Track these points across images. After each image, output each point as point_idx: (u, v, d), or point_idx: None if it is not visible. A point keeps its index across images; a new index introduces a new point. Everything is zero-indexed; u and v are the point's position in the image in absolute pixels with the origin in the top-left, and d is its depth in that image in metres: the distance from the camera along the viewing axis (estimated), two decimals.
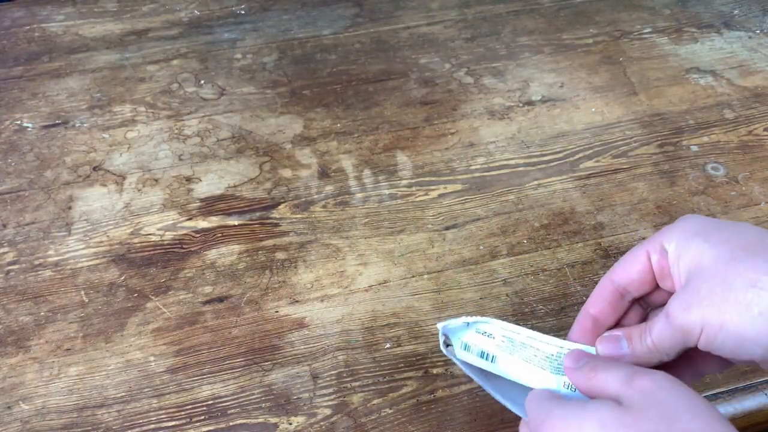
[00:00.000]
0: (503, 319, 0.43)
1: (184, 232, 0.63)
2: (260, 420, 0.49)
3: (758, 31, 0.91)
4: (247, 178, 0.69)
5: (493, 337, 0.42)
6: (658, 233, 0.35)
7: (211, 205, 0.66)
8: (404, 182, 0.68)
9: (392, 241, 0.62)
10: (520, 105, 0.78)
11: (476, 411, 0.50)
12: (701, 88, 0.81)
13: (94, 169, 0.70)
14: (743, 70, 0.84)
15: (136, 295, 0.58)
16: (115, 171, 0.70)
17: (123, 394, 0.51)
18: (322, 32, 0.91)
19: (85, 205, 0.66)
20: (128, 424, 0.49)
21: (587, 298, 0.39)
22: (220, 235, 0.63)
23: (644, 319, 0.39)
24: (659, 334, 0.33)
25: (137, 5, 0.96)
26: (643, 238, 0.62)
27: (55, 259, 0.61)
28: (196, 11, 0.95)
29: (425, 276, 0.59)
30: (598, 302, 0.38)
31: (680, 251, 0.33)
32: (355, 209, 0.65)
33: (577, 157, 0.71)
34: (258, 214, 0.65)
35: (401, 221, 0.64)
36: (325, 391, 0.51)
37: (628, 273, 0.37)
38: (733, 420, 0.50)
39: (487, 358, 0.42)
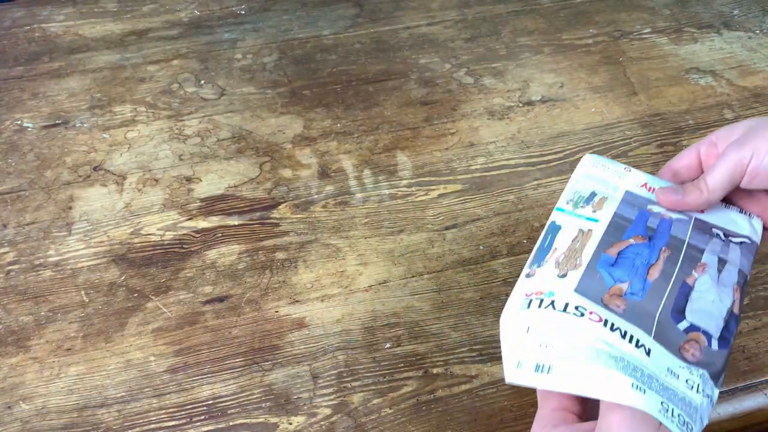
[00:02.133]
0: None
1: (185, 232, 0.63)
2: (260, 420, 0.49)
3: (758, 31, 0.91)
4: (247, 178, 0.69)
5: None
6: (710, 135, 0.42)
7: (211, 205, 0.66)
8: (404, 182, 0.68)
9: (392, 241, 0.62)
10: (520, 105, 0.78)
11: (476, 411, 0.50)
12: (701, 89, 0.81)
13: (95, 169, 0.70)
14: (743, 70, 0.84)
15: (136, 295, 0.58)
16: (116, 171, 0.70)
17: (123, 393, 0.51)
18: (322, 32, 0.91)
19: (86, 205, 0.66)
20: (128, 423, 0.49)
21: None
22: (220, 235, 0.63)
23: None
24: (715, 174, 0.40)
25: (137, 5, 0.96)
26: None
27: (56, 259, 0.61)
28: (196, 11, 0.95)
29: (425, 276, 0.59)
30: (681, 162, 0.44)
31: (730, 132, 0.41)
32: (355, 209, 0.66)
33: (577, 157, 0.71)
34: (258, 214, 0.65)
35: (401, 221, 0.64)
36: (325, 391, 0.51)
37: (679, 161, 0.44)
38: (733, 420, 0.50)
39: (542, 371, 0.33)
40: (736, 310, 0.37)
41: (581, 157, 0.71)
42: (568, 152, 0.72)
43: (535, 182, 0.68)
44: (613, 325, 0.34)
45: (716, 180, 0.40)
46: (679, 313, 0.36)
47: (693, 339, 0.35)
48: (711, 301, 0.37)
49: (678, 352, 0.34)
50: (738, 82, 0.82)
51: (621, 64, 0.85)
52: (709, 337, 0.35)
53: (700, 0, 0.98)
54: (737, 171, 0.39)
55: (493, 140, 0.73)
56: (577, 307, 0.35)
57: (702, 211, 0.42)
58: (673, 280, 0.37)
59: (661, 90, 0.81)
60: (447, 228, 0.63)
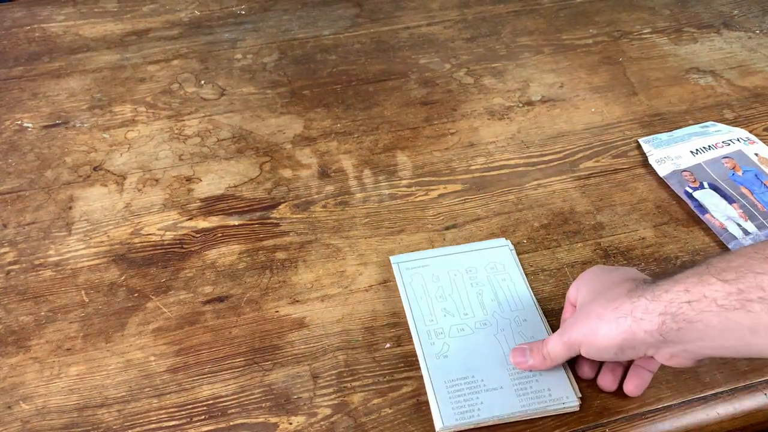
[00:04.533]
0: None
1: (185, 232, 0.63)
2: (260, 420, 0.49)
3: (758, 31, 0.91)
4: (247, 178, 0.69)
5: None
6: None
7: (211, 205, 0.66)
8: (404, 182, 0.68)
9: (392, 241, 0.62)
10: (520, 105, 0.78)
11: None
12: (701, 88, 0.81)
13: (95, 169, 0.70)
14: (743, 70, 0.84)
15: (136, 295, 0.58)
16: (116, 171, 0.70)
17: (123, 393, 0.51)
18: (322, 32, 0.91)
19: (86, 205, 0.66)
20: (128, 423, 0.49)
21: None
22: (220, 235, 0.63)
23: None
24: (553, 346, 0.48)
25: (138, 5, 0.96)
26: (643, 238, 0.62)
27: (56, 259, 0.61)
28: (196, 11, 0.95)
29: None
30: (567, 312, 0.52)
31: (578, 293, 0.49)
32: (355, 209, 0.66)
33: (576, 157, 0.71)
34: (258, 214, 0.65)
35: (401, 221, 0.64)
36: (325, 391, 0.51)
37: (569, 299, 0.52)
38: (733, 420, 0.50)
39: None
40: None
41: (581, 157, 0.71)
42: (568, 152, 0.72)
43: (535, 182, 0.68)
44: None
45: (555, 354, 0.48)
46: None
47: None
48: None
49: None
50: (738, 82, 0.82)
51: (621, 64, 0.85)
52: None
53: (700, 0, 0.98)
54: (573, 349, 0.47)
55: (493, 140, 0.73)
56: None
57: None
58: None
59: (661, 90, 0.81)
60: (447, 228, 0.63)
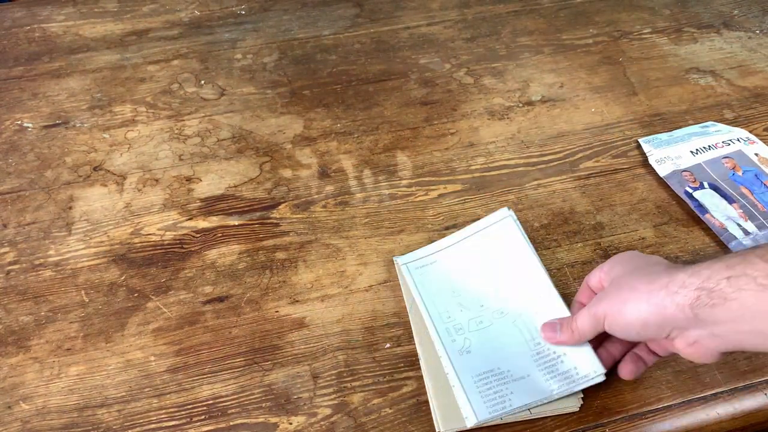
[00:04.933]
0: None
1: (185, 232, 0.63)
2: (260, 420, 0.49)
3: (758, 32, 0.91)
4: (247, 178, 0.69)
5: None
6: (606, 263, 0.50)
7: (211, 205, 0.66)
8: (404, 182, 0.68)
9: (392, 241, 0.62)
10: (520, 105, 0.78)
11: None
12: (701, 88, 0.81)
13: (95, 169, 0.70)
14: (743, 70, 0.84)
15: (136, 295, 0.58)
16: (116, 171, 0.70)
17: (123, 393, 0.51)
18: (322, 32, 0.91)
19: (86, 205, 0.66)
20: (128, 423, 0.49)
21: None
22: (220, 235, 0.63)
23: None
24: (581, 320, 0.47)
25: (138, 5, 0.96)
26: (643, 238, 0.62)
27: (56, 259, 0.61)
28: (196, 11, 0.95)
29: None
30: (582, 293, 0.52)
31: (608, 273, 0.48)
32: (355, 209, 0.66)
33: (576, 157, 0.71)
34: (258, 214, 0.65)
35: (401, 221, 0.64)
36: (325, 391, 0.51)
37: (588, 283, 0.51)
38: (733, 420, 0.50)
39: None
40: None
41: (581, 157, 0.71)
42: (568, 152, 0.72)
43: (535, 182, 0.68)
44: None
45: (583, 327, 0.47)
46: None
47: None
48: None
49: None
50: (738, 82, 0.82)
51: (621, 64, 0.85)
52: None
53: (700, 0, 0.98)
54: (598, 324, 0.46)
55: (493, 140, 0.73)
56: None
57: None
58: None
59: (661, 90, 0.81)
60: (447, 228, 0.63)
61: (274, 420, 0.49)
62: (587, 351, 0.49)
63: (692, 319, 0.40)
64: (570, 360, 0.49)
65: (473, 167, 0.70)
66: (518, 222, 0.58)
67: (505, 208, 0.59)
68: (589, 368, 0.48)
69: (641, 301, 0.42)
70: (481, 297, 0.54)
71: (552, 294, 0.52)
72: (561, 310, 0.51)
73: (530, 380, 0.48)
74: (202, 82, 0.82)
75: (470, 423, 0.46)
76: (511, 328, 0.52)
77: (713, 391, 0.51)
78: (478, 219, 0.64)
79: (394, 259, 0.59)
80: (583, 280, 0.51)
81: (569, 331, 0.48)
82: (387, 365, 0.52)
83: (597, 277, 0.49)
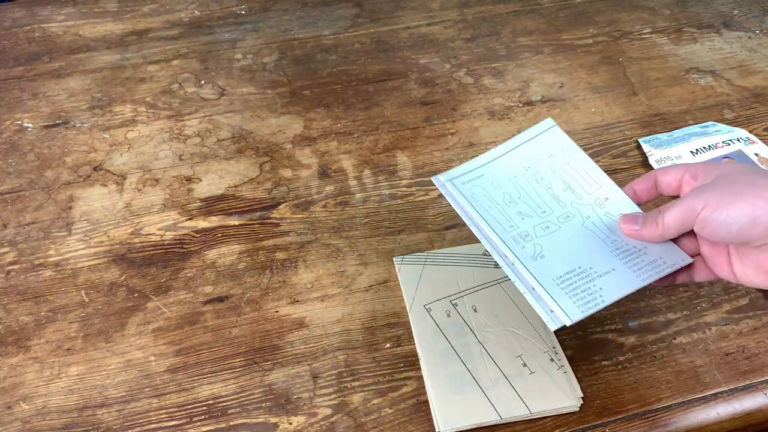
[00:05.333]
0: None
1: (185, 232, 0.63)
2: (260, 420, 0.49)
3: (758, 31, 0.91)
4: (247, 178, 0.69)
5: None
6: (691, 166, 0.45)
7: (211, 205, 0.66)
8: (404, 182, 0.68)
9: (392, 241, 0.62)
10: (520, 105, 0.78)
11: None
12: (701, 88, 0.81)
13: (95, 169, 0.70)
14: (743, 70, 0.84)
15: (136, 295, 0.58)
16: (116, 171, 0.70)
17: (123, 393, 0.51)
18: (322, 32, 0.91)
19: (86, 205, 0.66)
20: (128, 423, 0.49)
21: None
22: (220, 235, 0.63)
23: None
24: (670, 213, 0.43)
25: (138, 5, 0.96)
26: None
27: (56, 259, 0.61)
28: (196, 11, 0.95)
29: None
30: (641, 183, 0.48)
31: (705, 173, 0.44)
32: (355, 209, 0.66)
33: None
34: (258, 214, 0.65)
35: (401, 221, 0.64)
36: (325, 391, 0.51)
37: (659, 177, 0.47)
38: (733, 420, 0.50)
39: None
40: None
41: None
42: None
43: None
44: None
45: (671, 220, 0.43)
46: None
47: None
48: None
49: None
50: (738, 82, 0.82)
51: (621, 64, 0.85)
52: None
53: (700, 0, 0.98)
54: (689, 217, 0.42)
55: (493, 140, 0.73)
56: None
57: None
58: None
59: (661, 90, 0.81)
60: (447, 228, 0.63)
61: (274, 420, 0.49)
62: (669, 243, 0.46)
63: None
64: (653, 251, 0.46)
65: None
66: (562, 130, 0.54)
67: (549, 119, 0.54)
68: (674, 257, 0.45)
69: (760, 197, 0.39)
70: (541, 204, 0.50)
71: (618, 193, 0.49)
72: (631, 208, 0.48)
73: (617, 273, 0.45)
74: (202, 82, 0.82)
75: (566, 322, 0.42)
76: (581, 230, 0.48)
77: (713, 391, 0.51)
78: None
79: (437, 178, 0.52)
80: (650, 173, 0.47)
81: (653, 224, 0.44)
82: (387, 365, 0.52)
83: (677, 175, 0.46)
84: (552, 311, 0.43)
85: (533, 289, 0.44)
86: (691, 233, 0.45)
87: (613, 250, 0.46)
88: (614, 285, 0.44)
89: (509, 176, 0.52)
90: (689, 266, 0.45)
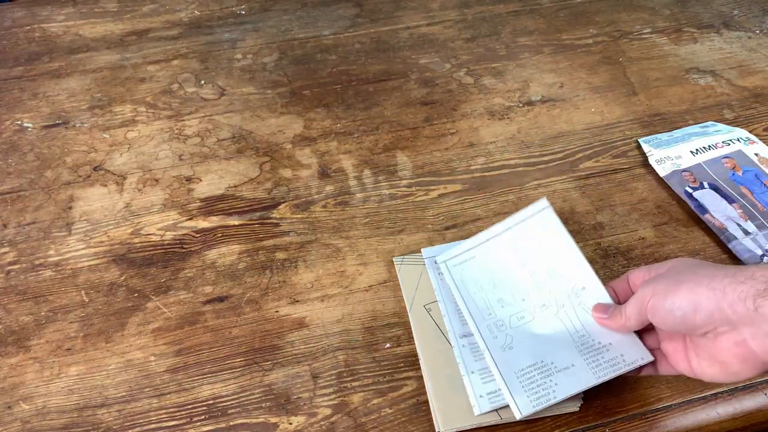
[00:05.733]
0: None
1: (185, 232, 0.63)
2: (260, 420, 0.49)
3: (758, 32, 0.91)
4: (247, 178, 0.69)
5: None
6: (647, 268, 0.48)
7: (211, 205, 0.66)
8: (404, 182, 0.68)
9: (392, 241, 0.62)
10: (520, 105, 0.78)
11: None
12: (701, 88, 0.81)
13: (95, 169, 0.70)
14: (743, 70, 0.84)
15: (136, 295, 0.58)
16: (116, 171, 0.70)
17: (123, 393, 0.51)
18: (322, 32, 0.91)
19: (86, 205, 0.66)
20: (128, 423, 0.49)
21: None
22: (220, 235, 0.63)
23: None
24: (629, 303, 0.46)
25: (137, 5, 0.96)
26: (643, 238, 0.62)
27: (56, 259, 0.61)
28: (196, 11, 0.95)
29: None
30: (617, 283, 0.50)
31: (662, 270, 0.46)
32: (355, 209, 0.66)
33: (576, 157, 0.71)
34: (258, 214, 0.65)
35: (401, 221, 0.64)
36: (325, 391, 0.51)
37: (630, 277, 0.49)
38: (733, 420, 0.50)
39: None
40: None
41: (581, 157, 0.71)
42: (568, 152, 0.72)
43: (535, 182, 0.68)
44: None
45: (630, 310, 0.46)
46: None
47: None
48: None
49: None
50: (738, 82, 0.82)
51: (621, 64, 0.85)
52: None
53: (700, 0, 0.98)
54: (642, 305, 0.44)
55: (493, 140, 0.73)
56: None
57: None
58: None
59: (661, 90, 0.81)
60: (447, 228, 0.63)
61: (274, 420, 0.49)
62: (633, 339, 0.48)
63: (749, 314, 0.37)
64: (616, 348, 0.48)
65: (473, 167, 0.70)
66: (554, 211, 0.55)
67: (543, 199, 0.56)
68: (636, 355, 0.47)
69: (701, 285, 0.40)
70: (522, 290, 0.53)
71: (595, 284, 0.51)
72: (605, 299, 0.50)
73: (575, 370, 0.47)
74: (202, 82, 0.82)
75: (517, 416, 0.46)
76: (553, 320, 0.51)
77: (713, 391, 0.51)
78: (479, 219, 0.64)
79: (426, 259, 0.58)
80: (624, 275, 0.50)
81: (620, 316, 0.47)
82: (387, 365, 0.52)
83: (640, 274, 0.48)
84: (511, 403, 0.47)
85: (498, 381, 0.49)
86: (653, 329, 0.47)
87: (578, 346, 0.49)
88: (569, 381, 0.47)
89: (497, 259, 0.56)
90: (653, 361, 0.47)
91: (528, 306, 0.52)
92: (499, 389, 0.49)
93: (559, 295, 0.52)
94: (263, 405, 0.50)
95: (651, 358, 0.46)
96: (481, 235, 0.57)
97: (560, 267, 0.53)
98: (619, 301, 0.49)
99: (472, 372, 0.50)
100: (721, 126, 0.74)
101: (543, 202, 0.56)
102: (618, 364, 0.47)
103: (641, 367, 0.47)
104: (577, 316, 0.50)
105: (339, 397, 0.50)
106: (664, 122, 0.76)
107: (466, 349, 0.52)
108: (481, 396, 0.49)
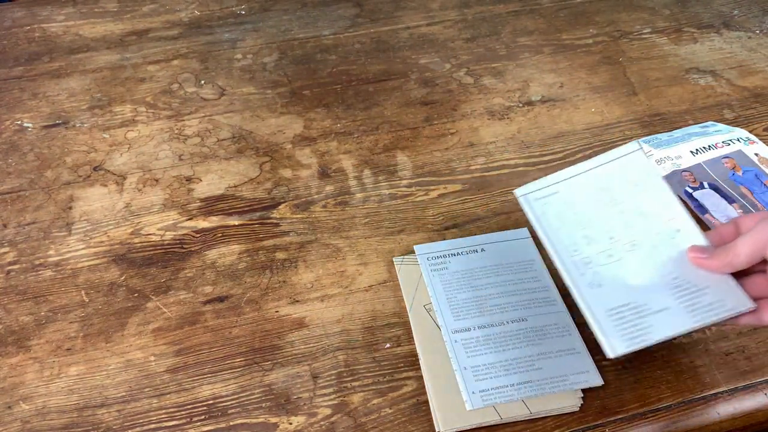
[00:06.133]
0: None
1: (185, 232, 0.63)
2: (260, 420, 0.49)
3: (758, 31, 0.91)
4: (247, 178, 0.69)
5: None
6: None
7: (211, 205, 0.66)
8: (404, 182, 0.68)
9: (392, 241, 0.62)
10: (520, 105, 0.78)
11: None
12: (701, 88, 0.81)
13: (95, 169, 0.70)
14: (743, 70, 0.84)
15: (136, 295, 0.58)
16: (116, 171, 0.70)
17: (123, 393, 0.51)
18: (322, 32, 0.91)
19: (86, 205, 0.66)
20: (128, 423, 0.49)
21: None
22: (220, 235, 0.63)
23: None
24: (743, 239, 0.43)
25: (137, 5, 0.96)
26: None
27: (56, 259, 0.61)
28: (196, 11, 0.95)
29: None
30: (725, 226, 0.47)
31: None
32: (355, 209, 0.66)
33: (576, 157, 0.71)
34: (258, 214, 0.65)
35: (401, 221, 0.64)
36: (325, 391, 0.51)
37: (744, 220, 0.46)
38: (733, 420, 0.50)
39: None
40: None
41: (581, 157, 0.71)
42: (568, 152, 0.72)
43: None
44: None
45: (743, 247, 0.43)
46: None
47: None
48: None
49: None
50: (738, 82, 0.82)
51: (621, 64, 0.85)
52: None
53: (700, 0, 0.98)
54: (759, 243, 0.42)
55: (493, 140, 0.73)
56: None
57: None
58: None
59: (661, 90, 0.81)
60: (447, 228, 0.63)
61: (274, 420, 0.49)
62: (731, 283, 0.45)
63: None
64: (714, 292, 0.45)
65: (473, 167, 0.70)
66: (645, 154, 0.52)
67: (635, 142, 0.53)
68: (735, 300, 0.44)
69: None
70: (610, 228, 0.49)
71: (691, 226, 0.48)
72: (701, 242, 0.47)
73: (670, 312, 0.45)
74: (202, 82, 0.82)
75: (609, 354, 0.44)
76: (645, 261, 0.47)
77: (713, 391, 0.51)
78: (479, 219, 0.64)
79: (515, 192, 0.53)
80: (731, 219, 0.47)
81: (723, 253, 0.44)
82: (387, 365, 0.52)
83: (755, 217, 0.45)
84: (602, 341, 0.44)
85: (587, 319, 0.46)
86: (762, 274, 0.45)
87: (672, 288, 0.46)
88: (665, 324, 0.44)
89: (584, 196, 0.51)
90: (755, 310, 0.44)
91: (616, 244, 0.49)
92: (496, 387, 0.49)
93: (650, 236, 0.48)
94: (263, 405, 0.50)
95: (753, 305, 0.44)
96: (566, 171, 0.53)
97: (652, 208, 0.50)
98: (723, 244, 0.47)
99: (465, 368, 0.50)
100: (721, 126, 0.74)
101: (634, 145, 0.52)
102: (716, 309, 0.44)
103: (741, 315, 0.44)
104: (670, 258, 0.47)
105: (339, 397, 0.50)
106: (664, 122, 0.76)
107: (458, 345, 0.52)
108: (473, 393, 0.49)
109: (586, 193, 0.52)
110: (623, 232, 0.49)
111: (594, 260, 0.48)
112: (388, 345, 0.54)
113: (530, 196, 0.53)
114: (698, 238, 0.47)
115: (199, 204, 0.66)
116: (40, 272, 0.60)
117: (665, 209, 0.49)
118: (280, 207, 0.66)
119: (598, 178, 0.52)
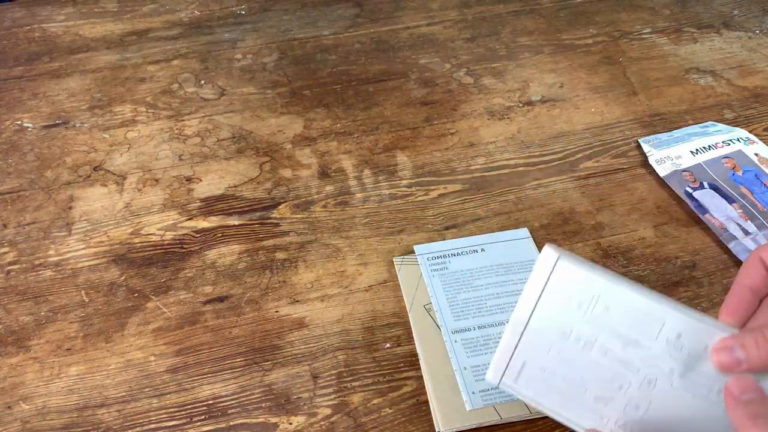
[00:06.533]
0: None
1: (185, 232, 0.63)
2: (260, 420, 0.49)
3: (758, 31, 0.91)
4: (247, 178, 0.69)
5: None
6: None
7: (211, 205, 0.66)
8: (404, 182, 0.68)
9: (392, 241, 0.62)
10: (520, 105, 0.78)
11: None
12: (701, 89, 0.81)
13: (95, 169, 0.70)
14: (743, 70, 0.84)
15: (136, 295, 0.58)
16: (116, 171, 0.70)
17: (123, 393, 0.51)
18: (322, 32, 0.91)
19: (86, 205, 0.66)
20: (128, 423, 0.49)
21: None
22: (220, 235, 0.63)
23: None
24: None
25: (137, 5, 0.96)
26: (643, 238, 0.62)
27: (56, 259, 0.61)
28: (196, 11, 0.95)
29: None
30: (752, 275, 0.36)
31: None
32: (355, 209, 0.66)
33: (576, 157, 0.71)
34: (258, 214, 0.65)
35: (401, 221, 0.64)
36: (325, 391, 0.51)
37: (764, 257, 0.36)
38: None
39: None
40: None
41: (581, 157, 0.71)
42: (568, 152, 0.72)
43: (535, 182, 0.68)
44: None
45: None
46: None
47: None
48: None
49: None
50: (738, 82, 0.82)
51: (621, 64, 0.85)
52: None
53: (700, 0, 0.98)
54: None
55: (493, 140, 0.73)
56: None
57: None
58: None
59: (661, 90, 0.81)
60: (447, 228, 0.63)
61: (274, 420, 0.49)
62: None
63: None
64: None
65: (473, 167, 0.70)
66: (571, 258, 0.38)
67: (547, 248, 0.38)
68: None
69: None
70: (611, 378, 0.38)
71: (688, 319, 0.36)
72: (715, 331, 0.35)
73: None
74: (202, 82, 0.82)
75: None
76: (675, 394, 0.37)
77: None
78: (479, 219, 0.64)
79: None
80: (750, 255, 0.36)
81: (762, 349, 0.32)
82: (387, 365, 0.52)
83: None
84: None
85: None
86: None
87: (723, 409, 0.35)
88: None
89: (552, 353, 0.39)
90: None
91: (633, 393, 0.38)
92: (494, 387, 0.48)
93: (658, 362, 0.37)
94: (263, 405, 0.50)
95: None
96: (509, 330, 0.39)
97: (630, 324, 0.37)
98: (742, 323, 0.36)
99: (465, 368, 0.50)
100: (721, 126, 0.74)
101: (550, 253, 0.38)
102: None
103: None
104: (699, 375, 0.36)
105: (339, 397, 0.50)
106: (664, 122, 0.76)
107: (458, 345, 0.52)
108: (473, 393, 0.49)
109: (552, 347, 0.39)
110: (626, 374, 0.38)
111: (627, 418, 0.38)
112: (388, 345, 0.54)
113: (506, 380, 0.40)
114: (708, 328, 0.35)
115: (199, 204, 0.66)
116: (40, 272, 0.60)
117: (644, 317, 0.37)
118: (280, 207, 0.66)
119: (549, 322, 0.39)
